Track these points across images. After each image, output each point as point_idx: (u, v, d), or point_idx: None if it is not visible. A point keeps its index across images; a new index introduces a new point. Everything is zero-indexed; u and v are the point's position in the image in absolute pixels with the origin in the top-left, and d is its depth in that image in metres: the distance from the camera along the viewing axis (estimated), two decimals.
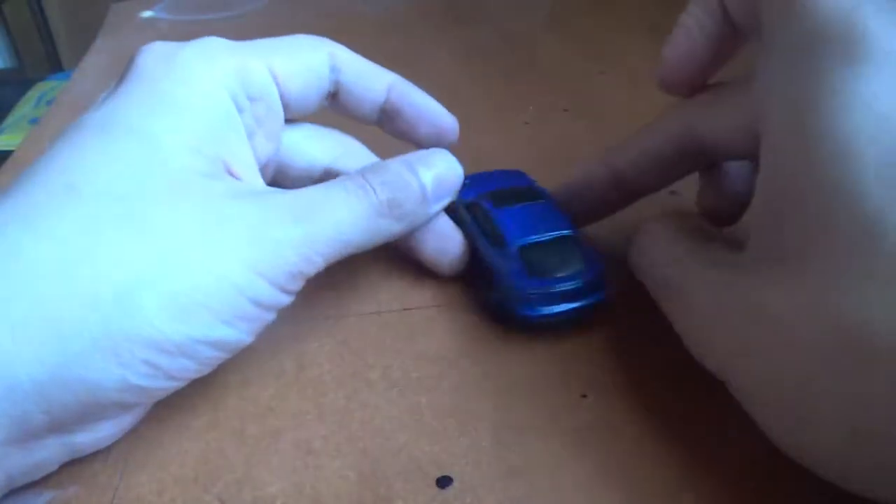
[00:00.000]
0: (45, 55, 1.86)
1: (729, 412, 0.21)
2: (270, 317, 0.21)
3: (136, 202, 0.19)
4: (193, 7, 0.63)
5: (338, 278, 0.27)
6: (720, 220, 0.26)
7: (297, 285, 0.21)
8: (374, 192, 0.22)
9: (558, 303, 0.23)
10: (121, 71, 0.23)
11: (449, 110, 0.27)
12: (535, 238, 0.24)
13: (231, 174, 0.22)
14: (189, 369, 0.19)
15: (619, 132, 0.37)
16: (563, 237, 0.24)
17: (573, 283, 0.23)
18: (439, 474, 0.19)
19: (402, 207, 0.23)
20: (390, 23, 0.57)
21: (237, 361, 0.24)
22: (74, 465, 0.20)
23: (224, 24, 0.59)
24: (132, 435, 0.21)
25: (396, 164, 0.24)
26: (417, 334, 0.24)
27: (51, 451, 0.19)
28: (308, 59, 0.25)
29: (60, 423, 0.18)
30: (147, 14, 0.61)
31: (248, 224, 0.20)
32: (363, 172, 0.23)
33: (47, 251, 0.18)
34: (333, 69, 0.25)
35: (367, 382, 0.23)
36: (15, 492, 0.19)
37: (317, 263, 0.21)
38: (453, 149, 0.26)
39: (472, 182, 0.27)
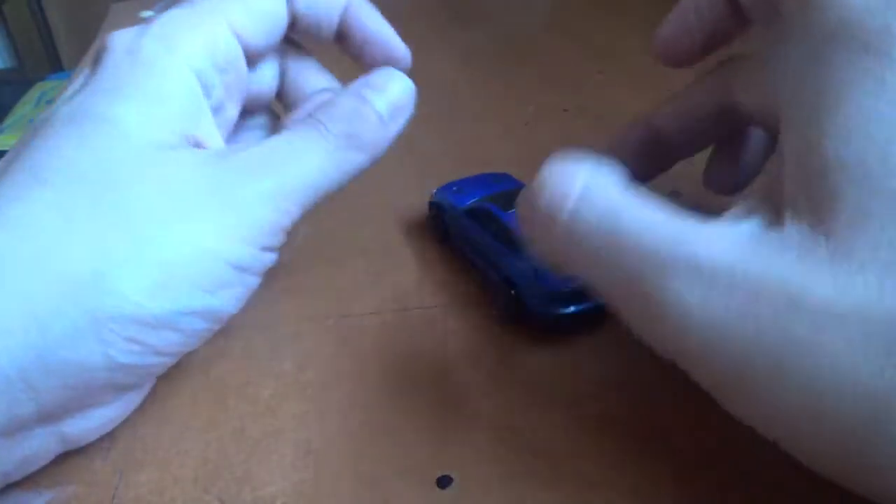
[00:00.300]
0: (45, 55, 1.86)
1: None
2: (255, 281, 0.21)
3: (105, 185, 0.19)
4: None
5: (338, 278, 0.27)
6: (726, 191, 0.25)
7: (278, 240, 0.21)
8: (328, 129, 0.22)
9: (586, 300, 0.23)
10: (80, 67, 0.23)
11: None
12: None
13: (198, 146, 0.22)
14: (175, 342, 0.20)
15: None
16: None
17: None
18: (439, 474, 0.19)
19: (361, 138, 0.23)
20: (390, 22, 0.57)
21: (237, 361, 0.24)
22: (74, 465, 0.20)
23: None
24: (132, 435, 0.21)
25: (347, 98, 0.23)
26: (417, 334, 0.24)
27: (42, 442, 0.19)
28: (266, 5, 0.24)
29: (49, 412, 0.18)
30: (147, 14, 0.61)
31: (217, 188, 0.20)
32: (314, 113, 0.23)
33: (19, 240, 0.18)
34: (289, 2, 0.25)
35: (367, 383, 0.23)
36: (15, 492, 0.19)
37: (293, 213, 0.21)
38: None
39: (462, 187, 0.27)
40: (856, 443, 0.13)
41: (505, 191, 0.27)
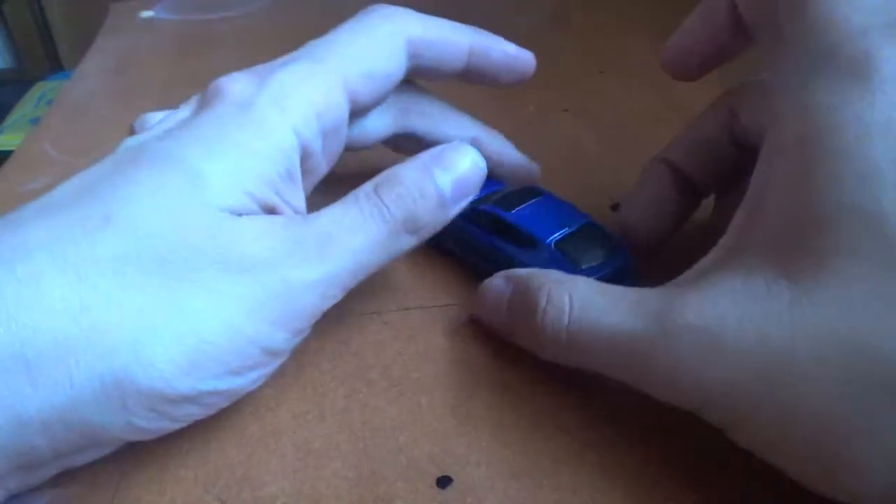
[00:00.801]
0: (45, 55, 1.86)
1: None
2: (281, 361, 0.21)
3: (167, 242, 0.18)
4: (193, 7, 0.63)
5: None
6: None
7: (313, 321, 0.21)
8: (390, 212, 0.21)
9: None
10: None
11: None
12: (565, 231, 0.24)
13: (272, 212, 0.21)
14: (193, 414, 0.19)
15: (619, 132, 0.37)
16: (587, 225, 0.25)
17: (613, 264, 0.24)
18: (439, 474, 0.19)
19: (418, 221, 0.22)
20: None
21: None
22: None
23: (224, 23, 0.59)
24: None
25: (412, 172, 0.22)
26: (417, 334, 0.24)
27: (49, 472, 0.19)
28: (386, 68, 0.24)
29: (63, 454, 0.18)
30: (147, 14, 0.61)
31: (268, 269, 0.19)
32: (377, 188, 0.22)
33: (70, 289, 0.17)
34: (411, 56, 0.25)
35: (367, 382, 0.23)
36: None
37: (335, 298, 0.21)
38: None
39: None
40: (822, 459, 0.15)
41: (500, 191, 0.27)
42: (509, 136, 0.29)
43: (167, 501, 0.19)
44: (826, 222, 0.16)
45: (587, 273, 0.23)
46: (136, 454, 0.20)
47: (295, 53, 0.24)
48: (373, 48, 0.24)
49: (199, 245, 0.19)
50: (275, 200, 0.21)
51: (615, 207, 0.30)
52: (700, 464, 0.19)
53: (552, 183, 0.28)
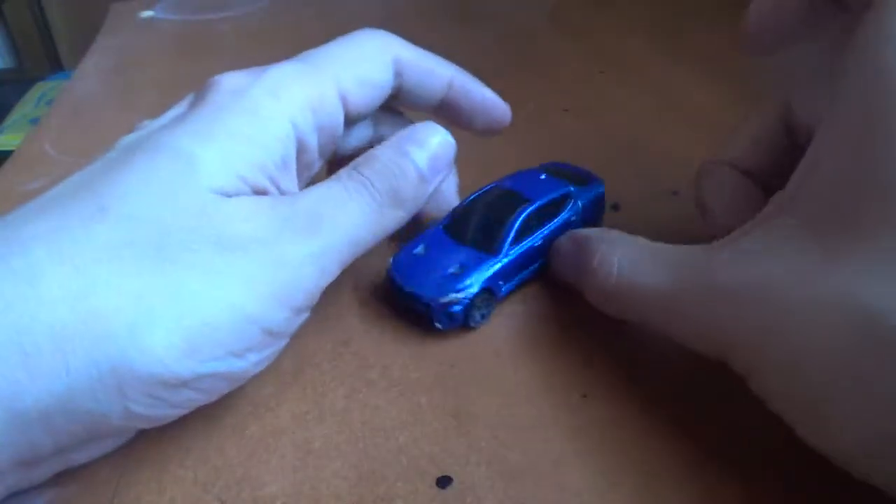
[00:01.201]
0: (45, 55, 1.86)
1: (731, 409, 0.21)
2: (283, 343, 0.21)
3: (161, 227, 0.19)
4: (193, 7, 0.63)
5: (338, 278, 0.27)
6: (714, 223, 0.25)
7: (313, 300, 0.21)
8: (374, 186, 0.22)
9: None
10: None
11: None
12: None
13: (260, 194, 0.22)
14: (193, 399, 0.19)
15: (619, 132, 0.37)
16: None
17: None
18: (439, 474, 0.19)
19: (401, 194, 0.23)
20: (390, 22, 0.57)
21: None
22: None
23: (224, 23, 0.59)
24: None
25: (388, 151, 0.23)
26: (417, 334, 0.24)
27: (51, 468, 0.19)
28: (374, 74, 0.25)
29: (64, 447, 0.18)
30: (147, 14, 0.61)
31: (265, 244, 0.20)
32: (356, 167, 0.22)
33: (66, 278, 0.17)
34: (396, 74, 0.25)
35: (367, 382, 0.23)
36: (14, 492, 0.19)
37: (333, 272, 0.21)
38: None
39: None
40: (818, 411, 0.16)
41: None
42: (509, 136, 0.29)
43: (167, 501, 0.19)
44: (875, 190, 0.16)
45: None
46: (136, 454, 0.20)
47: (288, 60, 0.24)
48: (363, 58, 0.25)
49: (192, 226, 0.19)
50: (266, 185, 0.21)
51: (616, 207, 0.30)
52: (701, 465, 0.19)
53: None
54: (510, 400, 0.22)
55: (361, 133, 0.27)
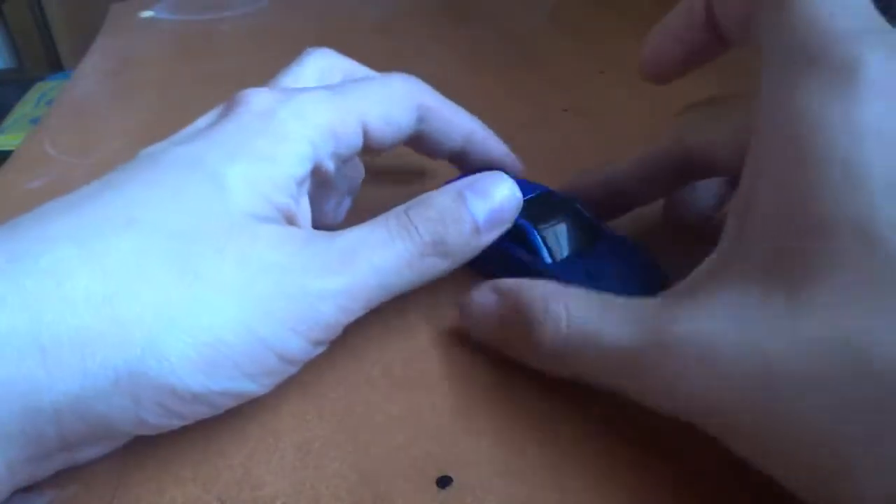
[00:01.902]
0: (45, 55, 1.86)
1: None
2: (295, 369, 0.21)
3: (189, 241, 0.19)
4: (193, 7, 0.63)
5: None
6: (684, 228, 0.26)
7: (333, 335, 0.21)
8: (418, 232, 0.21)
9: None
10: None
11: None
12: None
13: (291, 223, 0.22)
14: (201, 413, 0.19)
15: (619, 132, 0.37)
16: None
17: (635, 279, 0.24)
18: (439, 474, 0.19)
19: (449, 244, 0.22)
20: (390, 22, 0.57)
21: None
22: (74, 466, 0.20)
23: (224, 23, 0.59)
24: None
25: (445, 197, 0.22)
26: (417, 334, 0.24)
27: (53, 465, 0.19)
28: (397, 113, 0.25)
29: (70, 445, 0.18)
30: (147, 14, 0.61)
31: (288, 273, 0.20)
32: (408, 209, 0.22)
33: (92, 279, 0.17)
34: (419, 119, 0.26)
35: (368, 382, 0.23)
36: (15, 492, 0.19)
37: (355, 312, 0.21)
38: None
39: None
40: (819, 473, 0.15)
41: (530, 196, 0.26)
42: (509, 136, 0.29)
43: (167, 501, 0.19)
44: (817, 232, 0.16)
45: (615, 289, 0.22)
46: (136, 454, 0.20)
47: (317, 87, 0.25)
48: (391, 97, 0.25)
49: (220, 245, 0.19)
50: (292, 207, 0.21)
51: None
52: (703, 467, 0.19)
53: (551, 183, 0.28)
54: (510, 400, 0.22)
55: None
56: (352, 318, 0.21)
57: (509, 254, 0.25)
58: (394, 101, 0.25)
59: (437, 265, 0.22)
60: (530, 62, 0.47)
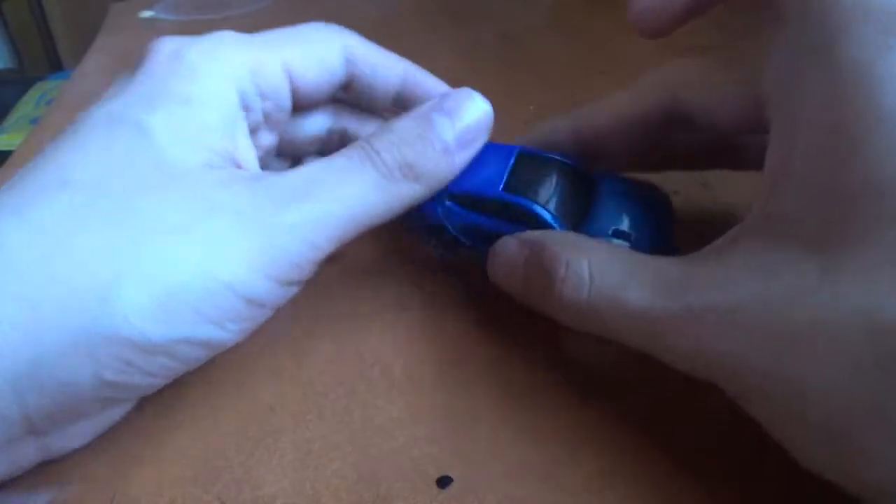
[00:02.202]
0: (45, 55, 1.86)
1: (733, 410, 0.21)
2: (267, 314, 0.20)
3: (127, 194, 0.19)
4: (193, 7, 0.63)
5: (338, 278, 0.27)
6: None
7: (304, 274, 0.20)
8: (380, 157, 0.21)
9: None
10: (121, 70, 0.23)
11: None
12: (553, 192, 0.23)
13: (237, 165, 0.21)
14: (168, 367, 0.19)
15: None
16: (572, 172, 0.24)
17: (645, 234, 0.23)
18: (439, 474, 0.19)
19: (418, 167, 0.21)
20: (391, 22, 0.57)
21: (237, 361, 0.24)
22: (74, 465, 0.20)
23: (225, 24, 0.59)
24: (132, 435, 0.21)
25: (408, 121, 0.22)
26: (417, 334, 0.24)
27: (27, 452, 0.18)
28: (321, 54, 0.24)
29: (37, 424, 0.18)
30: (147, 14, 0.61)
31: (242, 212, 0.19)
32: (368, 137, 0.21)
33: (31, 242, 0.17)
34: (348, 62, 0.25)
35: (367, 382, 0.23)
36: (15, 492, 0.19)
37: (324, 247, 0.20)
38: None
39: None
40: (831, 442, 0.15)
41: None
42: (509, 136, 0.29)
43: (167, 501, 0.19)
44: (858, 195, 0.15)
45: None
46: (136, 454, 0.20)
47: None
48: (311, 38, 0.24)
49: (158, 194, 0.19)
50: (229, 148, 0.21)
51: None
52: (701, 466, 0.19)
53: None
54: (510, 400, 0.22)
55: (319, 121, 0.26)
56: (322, 254, 0.20)
57: (491, 228, 0.23)
58: (316, 41, 0.24)
59: (410, 190, 0.21)
60: (531, 62, 0.47)
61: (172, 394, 0.22)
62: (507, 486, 0.19)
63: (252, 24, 0.58)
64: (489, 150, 0.24)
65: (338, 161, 0.21)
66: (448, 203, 0.24)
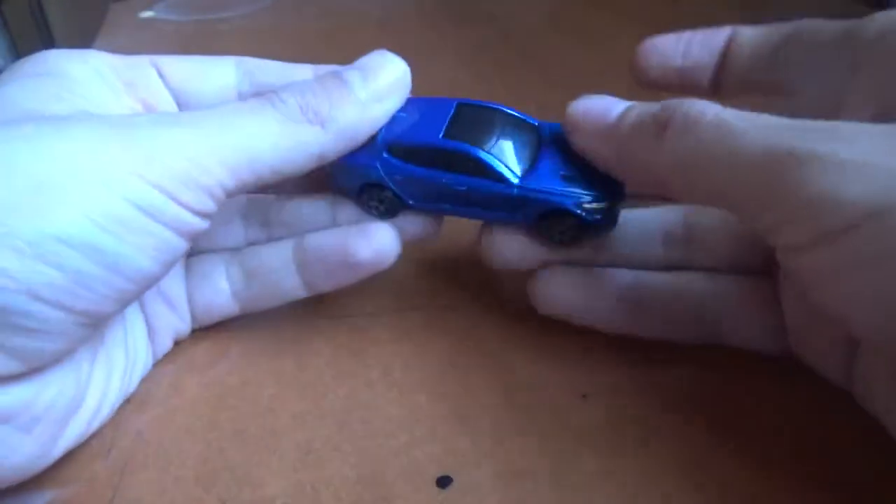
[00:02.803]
0: None
1: (732, 410, 0.21)
2: (172, 238, 0.19)
3: (31, 122, 0.18)
4: (193, 7, 0.63)
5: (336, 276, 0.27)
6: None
7: (203, 202, 0.19)
8: (279, 97, 0.20)
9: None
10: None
11: None
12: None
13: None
14: (57, 286, 0.16)
15: None
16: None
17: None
18: (439, 474, 0.19)
19: (322, 113, 0.20)
20: (391, 22, 0.57)
21: (237, 361, 0.24)
22: (74, 465, 0.20)
23: (224, 23, 0.59)
24: (132, 435, 0.21)
25: (322, 75, 0.22)
26: (417, 334, 0.24)
27: None
28: (204, 63, 0.24)
29: None
30: (147, 14, 0.61)
31: (119, 122, 0.18)
32: (274, 89, 0.21)
33: None
34: (246, 73, 0.24)
35: (367, 382, 0.23)
36: (15, 492, 0.19)
37: (217, 174, 0.19)
38: None
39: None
40: None
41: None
42: None
43: (167, 501, 0.19)
44: None
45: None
46: (136, 454, 0.20)
47: None
48: (192, 56, 0.24)
49: (65, 122, 0.18)
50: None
51: None
52: (700, 466, 0.19)
53: None
54: (510, 400, 0.22)
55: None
56: (216, 182, 0.19)
57: (474, 190, 0.22)
58: (200, 58, 0.24)
59: (314, 133, 0.20)
60: (531, 61, 0.47)
61: (173, 393, 0.22)
62: (506, 486, 0.19)
63: (252, 24, 0.58)
64: (427, 104, 0.23)
65: (237, 104, 0.20)
66: (385, 156, 0.22)
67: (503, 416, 0.21)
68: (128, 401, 0.22)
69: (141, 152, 0.18)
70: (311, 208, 0.24)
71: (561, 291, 0.23)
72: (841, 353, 0.20)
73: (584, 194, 0.21)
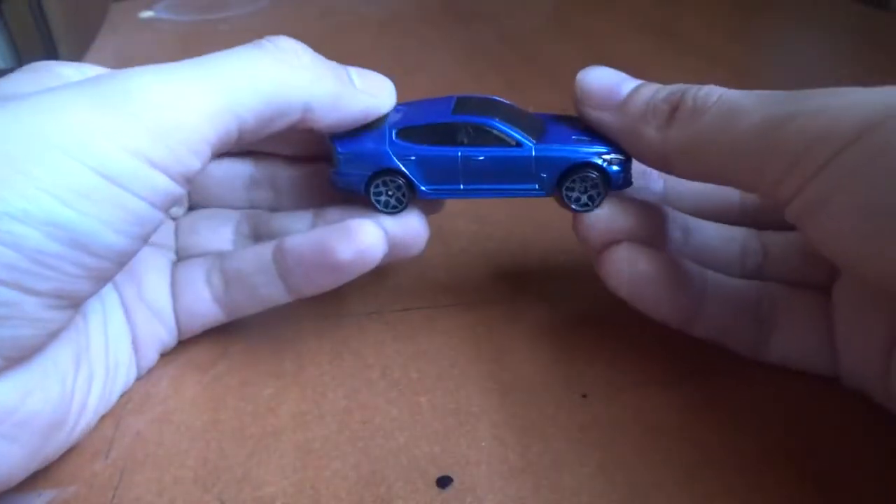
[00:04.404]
0: (44, 55, 1.86)
1: (731, 410, 0.21)
2: (144, 209, 0.17)
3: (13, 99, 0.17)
4: (193, 7, 0.63)
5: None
6: None
7: (181, 161, 0.17)
8: (269, 40, 0.20)
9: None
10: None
11: None
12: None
13: None
14: (15, 265, 0.15)
15: None
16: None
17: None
18: (439, 474, 0.19)
19: (312, 61, 0.20)
20: (391, 22, 0.57)
21: (237, 361, 0.24)
22: (74, 465, 0.20)
23: (224, 23, 0.59)
24: (132, 435, 0.21)
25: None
26: (417, 334, 0.24)
27: None
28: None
29: None
30: (147, 14, 0.61)
31: (103, 89, 0.17)
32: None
33: None
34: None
35: (367, 382, 0.23)
36: (15, 492, 0.19)
37: (195, 125, 0.18)
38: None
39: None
40: None
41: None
42: None
43: (167, 501, 0.19)
44: None
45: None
46: (136, 454, 0.20)
47: None
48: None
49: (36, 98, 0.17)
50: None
51: None
52: (700, 466, 0.19)
53: None
54: (510, 400, 0.22)
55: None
56: (199, 133, 0.18)
57: (492, 159, 0.22)
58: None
59: (302, 77, 0.20)
60: (531, 61, 0.47)
61: (173, 393, 0.22)
62: (507, 486, 0.19)
63: (252, 24, 0.59)
64: (425, 101, 0.24)
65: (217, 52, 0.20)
66: (396, 140, 0.22)
67: (503, 416, 0.21)
68: (128, 401, 0.22)
69: (111, 111, 0.16)
70: (299, 216, 0.24)
71: (644, 269, 0.22)
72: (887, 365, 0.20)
73: (601, 149, 0.22)
